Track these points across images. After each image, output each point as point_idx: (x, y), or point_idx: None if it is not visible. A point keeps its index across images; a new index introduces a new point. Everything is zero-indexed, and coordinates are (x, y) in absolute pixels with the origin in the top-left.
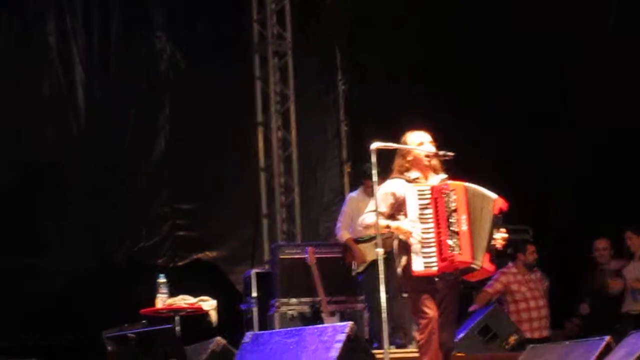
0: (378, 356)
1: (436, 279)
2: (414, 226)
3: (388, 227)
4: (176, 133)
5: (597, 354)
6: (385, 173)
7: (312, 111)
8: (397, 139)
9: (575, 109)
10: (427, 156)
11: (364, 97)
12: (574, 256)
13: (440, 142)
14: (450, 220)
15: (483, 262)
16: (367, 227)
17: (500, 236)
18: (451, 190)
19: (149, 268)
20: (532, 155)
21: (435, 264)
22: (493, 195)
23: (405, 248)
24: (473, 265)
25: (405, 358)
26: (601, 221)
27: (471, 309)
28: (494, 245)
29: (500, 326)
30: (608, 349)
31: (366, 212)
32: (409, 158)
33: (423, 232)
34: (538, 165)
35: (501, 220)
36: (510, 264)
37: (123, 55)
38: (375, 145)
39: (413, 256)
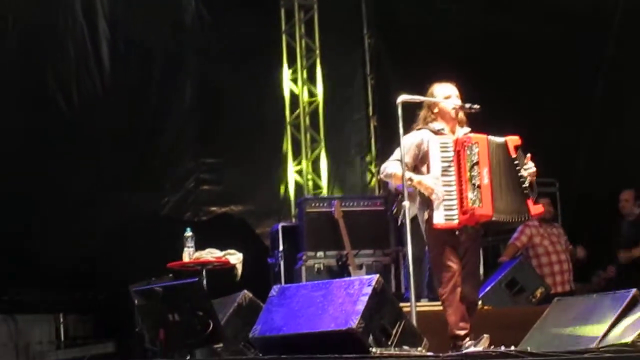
0: (405, 309)
1: (457, 232)
2: (436, 183)
3: (410, 179)
4: (201, 87)
5: (623, 306)
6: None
7: (338, 65)
8: (423, 92)
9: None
10: (454, 109)
11: (390, 51)
12: (600, 209)
13: (466, 94)
14: (472, 173)
15: (530, 210)
16: (387, 175)
17: (527, 172)
18: (474, 143)
19: (175, 222)
20: (558, 108)
21: (456, 216)
22: (501, 139)
23: (426, 203)
24: (495, 219)
25: (432, 312)
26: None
27: (500, 260)
28: (530, 184)
29: (527, 279)
30: (635, 302)
31: (389, 161)
32: (435, 110)
33: (445, 185)
34: (564, 118)
35: (522, 156)
36: None
37: (148, 9)
38: (402, 98)
39: (434, 209)
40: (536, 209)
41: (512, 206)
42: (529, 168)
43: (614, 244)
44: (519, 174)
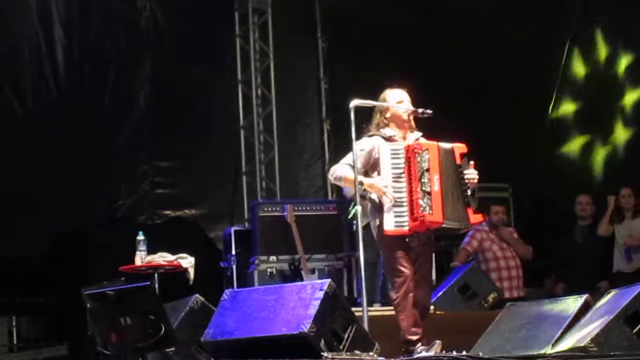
0: (358, 314)
1: (408, 239)
2: (387, 185)
3: (361, 183)
4: (156, 91)
5: (576, 311)
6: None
7: (292, 69)
8: (376, 97)
9: None
10: (406, 113)
11: (343, 55)
12: (552, 214)
13: (419, 100)
14: (422, 180)
15: (470, 218)
16: (337, 178)
17: (469, 179)
18: (424, 150)
19: (128, 226)
20: (509, 113)
21: (406, 223)
22: (449, 145)
23: (377, 207)
24: (445, 226)
25: (384, 316)
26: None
27: (453, 265)
28: (472, 193)
29: (480, 284)
30: (587, 307)
31: (339, 163)
32: (387, 115)
33: (395, 191)
34: (514, 123)
35: (467, 163)
36: (483, 222)
37: (103, 13)
38: (354, 102)
39: (385, 215)
40: (475, 217)
41: (459, 213)
42: (471, 174)
43: (564, 249)
44: (463, 181)
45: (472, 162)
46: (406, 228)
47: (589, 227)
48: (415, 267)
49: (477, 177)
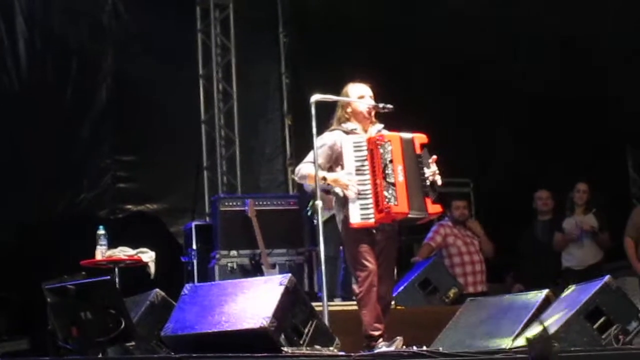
0: (318, 309)
1: (374, 231)
2: (351, 179)
3: (324, 179)
4: (117, 85)
5: (536, 307)
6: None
7: (254, 63)
8: (338, 92)
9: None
10: (367, 108)
11: (305, 50)
12: (513, 209)
13: (380, 95)
14: (386, 171)
15: (427, 208)
16: (302, 177)
17: (430, 172)
18: (387, 142)
19: (90, 220)
20: (474, 109)
21: (372, 215)
22: (409, 135)
23: (342, 201)
24: (411, 216)
25: (344, 311)
26: (540, 175)
27: (413, 260)
28: (431, 184)
29: (440, 279)
30: (547, 303)
31: (303, 162)
32: (349, 110)
33: (360, 184)
34: (480, 118)
35: (427, 155)
36: (446, 217)
37: (65, 6)
38: (315, 97)
39: (350, 208)
40: (434, 208)
41: (419, 203)
42: (432, 168)
43: (525, 244)
44: (422, 172)
45: (434, 157)
46: (372, 220)
47: (549, 222)
48: (380, 262)
49: (436, 170)
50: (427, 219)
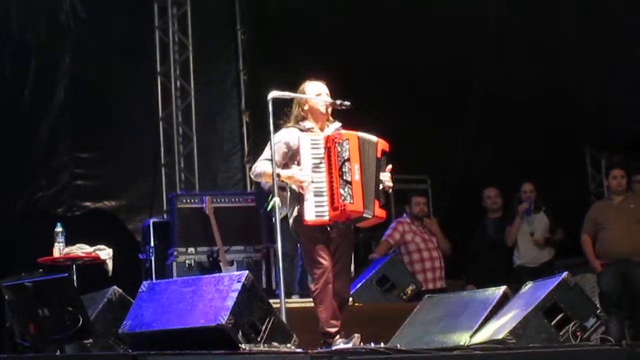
0: (275, 306)
1: (328, 228)
2: (305, 175)
3: (279, 175)
4: (75, 82)
5: (494, 303)
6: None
7: (211, 60)
8: (295, 89)
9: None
10: (324, 105)
11: (263, 47)
12: (470, 207)
13: (338, 93)
14: (342, 169)
15: (374, 210)
16: (257, 175)
17: (386, 177)
18: (344, 140)
19: (47, 217)
20: (433, 105)
21: (326, 213)
22: (374, 138)
23: (297, 198)
24: (365, 215)
25: (302, 308)
26: (497, 173)
27: (371, 257)
28: (383, 189)
29: (398, 276)
30: (505, 299)
31: (259, 160)
32: (306, 107)
33: (315, 181)
34: (440, 115)
35: (385, 162)
36: (405, 214)
37: (24, 4)
38: (273, 94)
39: (305, 205)
40: (380, 212)
41: (371, 203)
42: (387, 174)
43: (477, 243)
44: (377, 174)
45: (390, 166)
46: (326, 217)
47: (499, 220)
48: (335, 259)
49: (390, 179)
50: (372, 223)
